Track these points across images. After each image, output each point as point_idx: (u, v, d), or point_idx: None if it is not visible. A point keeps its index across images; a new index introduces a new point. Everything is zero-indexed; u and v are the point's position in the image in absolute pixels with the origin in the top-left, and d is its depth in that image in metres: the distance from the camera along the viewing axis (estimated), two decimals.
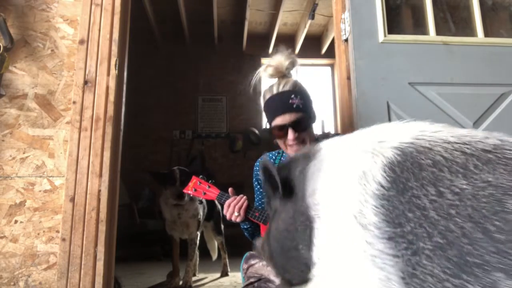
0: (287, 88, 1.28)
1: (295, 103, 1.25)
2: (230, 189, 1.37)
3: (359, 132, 0.71)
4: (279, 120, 1.26)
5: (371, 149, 0.61)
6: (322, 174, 0.66)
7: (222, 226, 3.07)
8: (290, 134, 1.24)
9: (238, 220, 1.29)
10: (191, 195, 1.43)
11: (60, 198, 1.46)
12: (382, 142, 0.61)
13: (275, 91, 1.30)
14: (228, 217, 1.30)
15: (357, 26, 1.60)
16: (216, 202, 1.48)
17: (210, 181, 1.41)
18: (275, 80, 1.34)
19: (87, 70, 1.57)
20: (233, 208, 1.28)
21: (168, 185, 2.55)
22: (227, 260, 3.01)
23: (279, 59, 1.34)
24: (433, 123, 0.64)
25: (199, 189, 1.41)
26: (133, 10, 1.90)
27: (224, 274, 2.97)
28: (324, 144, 0.74)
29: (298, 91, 1.28)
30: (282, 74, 1.33)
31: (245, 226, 1.40)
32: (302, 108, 1.26)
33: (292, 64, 1.34)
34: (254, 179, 1.48)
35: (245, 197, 1.31)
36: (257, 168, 1.45)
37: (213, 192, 1.39)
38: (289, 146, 1.28)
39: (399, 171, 0.55)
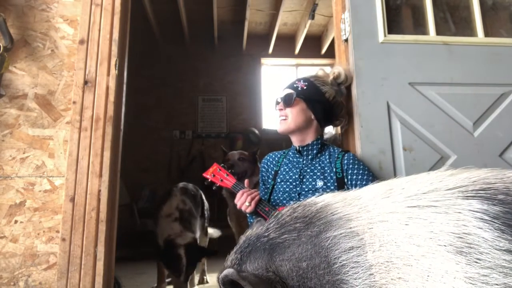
0: (307, 76, 1.49)
1: (296, 84, 1.44)
2: (246, 181, 1.45)
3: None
4: (281, 92, 1.48)
5: None
6: None
7: (209, 229, 2.90)
8: (279, 105, 1.44)
9: (248, 210, 1.31)
10: (210, 180, 1.45)
11: (60, 198, 1.46)
12: None
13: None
14: (239, 206, 1.33)
15: (357, 26, 1.60)
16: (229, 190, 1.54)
17: (229, 171, 1.44)
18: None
19: (87, 70, 1.57)
20: (245, 198, 1.31)
21: (171, 271, 2.14)
22: (205, 266, 2.80)
23: (335, 67, 1.57)
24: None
25: (217, 175, 1.44)
26: (133, 10, 1.90)
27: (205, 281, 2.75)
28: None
29: (310, 81, 1.45)
30: (326, 76, 1.52)
31: (252, 220, 1.42)
32: (299, 90, 1.42)
33: (339, 74, 1.52)
34: (260, 176, 1.56)
35: (258, 191, 1.35)
36: (263, 165, 1.54)
37: (229, 181, 1.41)
38: (279, 120, 1.45)
39: None
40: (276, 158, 1.51)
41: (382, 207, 0.59)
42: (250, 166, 2.45)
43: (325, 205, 0.63)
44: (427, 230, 0.54)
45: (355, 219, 0.58)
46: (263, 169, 1.53)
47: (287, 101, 1.41)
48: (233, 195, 1.47)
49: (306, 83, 1.43)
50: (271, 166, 1.50)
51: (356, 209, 0.60)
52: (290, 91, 1.42)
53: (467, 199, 0.56)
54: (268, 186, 1.47)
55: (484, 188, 0.56)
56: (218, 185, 1.43)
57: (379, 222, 0.57)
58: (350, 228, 0.57)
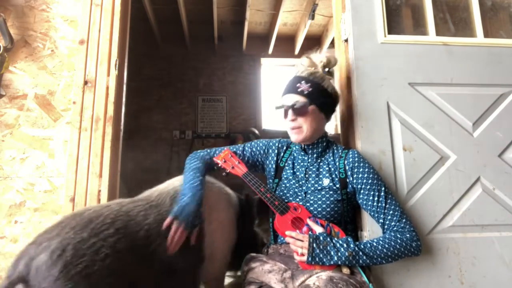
0: (303, 74, 1.36)
1: (301, 88, 1.33)
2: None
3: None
4: (283, 99, 1.37)
5: None
6: None
7: None
8: (288, 116, 1.33)
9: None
10: (220, 166, 1.39)
11: (60, 198, 1.46)
12: None
13: (295, 74, 1.40)
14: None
15: (357, 26, 1.60)
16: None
17: (240, 158, 1.40)
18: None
19: (87, 70, 1.58)
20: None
21: None
22: None
23: (318, 54, 1.43)
24: None
25: (228, 161, 1.38)
26: (133, 10, 1.90)
27: None
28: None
29: (311, 80, 1.34)
30: (313, 65, 1.40)
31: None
32: (306, 94, 1.31)
33: (328, 61, 1.42)
34: (259, 143, 1.49)
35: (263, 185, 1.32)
36: (270, 145, 1.47)
37: (241, 169, 1.35)
38: (290, 130, 1.35)
39: None
40: (282, 151, 1.45)
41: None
42: None
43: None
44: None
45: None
46: (263, 148, 1.46)
47: (301, 111, 1.31)
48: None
49: (309, 84, 1.33)
50: (273, 154, 1.44)
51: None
52: (299, 98, 1.31)
53: None
54: (258, 163, 1.45)
55: None
56: (228, 171, 1.37)
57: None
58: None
